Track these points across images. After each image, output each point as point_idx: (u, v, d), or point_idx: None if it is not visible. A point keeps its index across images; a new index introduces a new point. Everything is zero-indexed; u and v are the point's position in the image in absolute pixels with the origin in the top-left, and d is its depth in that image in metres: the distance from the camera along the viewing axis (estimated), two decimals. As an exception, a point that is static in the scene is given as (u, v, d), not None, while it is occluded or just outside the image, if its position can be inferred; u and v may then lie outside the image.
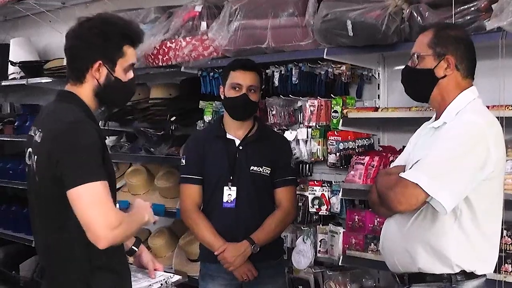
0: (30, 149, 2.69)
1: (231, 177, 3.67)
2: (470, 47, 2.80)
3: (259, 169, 3.70)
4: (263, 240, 3.63)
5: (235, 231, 3.64)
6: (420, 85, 2.84)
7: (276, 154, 3.74)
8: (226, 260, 3.60)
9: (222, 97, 3.79)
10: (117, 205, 2.78)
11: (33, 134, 2.67)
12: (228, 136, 3.74)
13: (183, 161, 3.80)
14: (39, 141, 2.59)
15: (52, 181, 2.49)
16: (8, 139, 6.63)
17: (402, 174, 2.66)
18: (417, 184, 2.57)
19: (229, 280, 3.70)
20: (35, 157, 2.60)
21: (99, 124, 2.84)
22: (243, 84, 3.67)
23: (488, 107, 3.01)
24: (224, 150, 3.71)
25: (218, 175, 3.70)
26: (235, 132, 3.74)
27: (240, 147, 3.71)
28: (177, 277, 3.00)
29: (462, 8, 3.13)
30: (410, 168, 2.72)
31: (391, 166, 3.11)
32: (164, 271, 3.04)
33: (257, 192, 3.69)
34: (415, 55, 2.82)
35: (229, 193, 3.67)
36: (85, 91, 2.69)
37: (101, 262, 2.59)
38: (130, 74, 2.77)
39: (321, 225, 4.08)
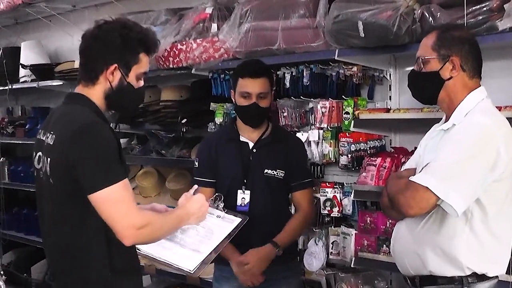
0: (40, 153, 2.68)
1: (244, 180, 3.65)
2: (474, 47, 2.78)
3: (273, 172, 3.66)
4: (286, 243, 3.62)
5: (249, 235, 3.60)
6: (426, 88, 2.83)
7: (290, 157, 3.72)
8: (251, 263, 3.55)
9: (234, 101, 3.77)
10: None
11: (43, 138, 2.67)
12: (242, 138, 3.71)
13: (196, 163, 3.79)
14: (51, 143, 2.59)
15: (68, 182, 2.50)
16: (20, 142, 6.65)
17: (412, 178, 2.65)
18: (427, 187, 2.57)
19: (244, 282, 3.67)
20: (48, 159, 2.60)
21: (111, 125, 2.83)
22: (252, 92, 3.61)
23: (500, 107, 3.00)
24: (237, 153, 3.69)
25: (231, 178, 3.68)
26: (249, 134, 3.72)
27: (254, 150, 3.69)
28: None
29: (474, 8, 3.11)
30: (420, 171, 2.71)
31: (402, 168, 3.10)
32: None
33: (271, 195, 3.66)
34: (420, 59, 2.81)
35: (243, 197, 3.65)
36: (96, 93, 2.69)
37: (122, 265, 2.60)
38: (141, 83, 2.79)
39: (333, 227, 4.07)
